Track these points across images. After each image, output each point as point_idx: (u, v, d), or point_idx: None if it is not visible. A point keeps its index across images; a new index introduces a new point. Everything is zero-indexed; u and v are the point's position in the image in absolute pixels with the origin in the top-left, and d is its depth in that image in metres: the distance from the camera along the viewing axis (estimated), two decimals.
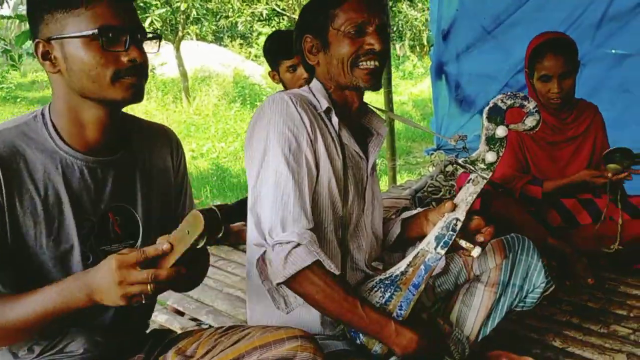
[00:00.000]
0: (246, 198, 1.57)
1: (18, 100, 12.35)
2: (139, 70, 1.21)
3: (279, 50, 2.76)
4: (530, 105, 1.46)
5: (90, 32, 1.15)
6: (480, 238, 1.50)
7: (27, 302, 1.12)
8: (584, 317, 2.24)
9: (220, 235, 1.09)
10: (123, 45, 1.18)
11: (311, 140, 1.47)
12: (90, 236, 1.26)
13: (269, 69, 2.93)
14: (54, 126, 1.24)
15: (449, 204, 1.47)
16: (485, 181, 1.46)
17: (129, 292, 1.05)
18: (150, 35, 1.27)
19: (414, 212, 1.71)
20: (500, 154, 1.45)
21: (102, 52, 1.17)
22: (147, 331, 1.52)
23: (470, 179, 1.48)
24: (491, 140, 1.45)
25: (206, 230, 1.03)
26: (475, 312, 1.70)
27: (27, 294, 1.13)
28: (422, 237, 1.57)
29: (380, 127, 1.70)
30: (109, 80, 1.18)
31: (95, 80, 1.18)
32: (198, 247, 1.06)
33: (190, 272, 1.12)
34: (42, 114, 1.26)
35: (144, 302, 1.07)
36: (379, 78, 1.55)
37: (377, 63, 1.51)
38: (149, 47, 1.27)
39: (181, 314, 2.53)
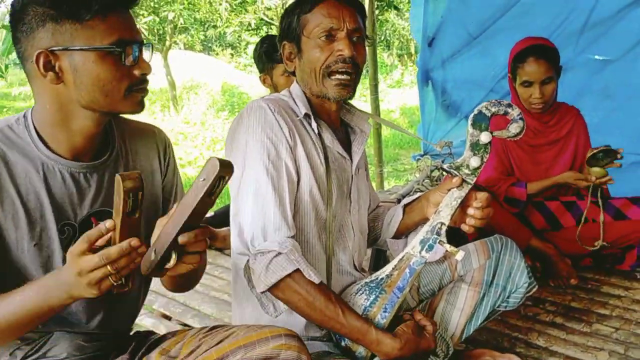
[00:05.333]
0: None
1: (5, 110, 12.25)
2: (146, 83, 1.22)
3: (275, 54, 2.67)
4: (514, 112, 1.48)
5: (108, 46, 1.15)
6: (477, 214, 1.50)
7: (6, 303, 1.11)
8: (567, 317, 2.26)
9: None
10: (131, 58, 1.18)
11: (290, 147, 1.47)
12: (72, 241, 1.25)
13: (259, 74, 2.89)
14: (36, 131, 1.23)
15: (456, 179, 1.47)
16: (470, 186, 1.49)
17: (92, 279, 1.03)
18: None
19: (415, 197, 1.70)
20: (485, 159, 1.47)
21: (117, 65, 1.16)
22: (131, 334, 1.52)
23: None
24: (476, 146, 1.47)
25: (134, 190, 1.01)
26: (459, 312, 1.72)
27: (5, 295, 1.12)
28: (424, 220, 1.59)
29: (363, 125, 1.69)
30: (122, 94, 1.18)
31: (109, 94, 1.18)
32: (133, 214, 1.04)
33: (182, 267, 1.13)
34: (25, 117, 1.25)
35: (121, 288, 1.05)
36: (350, 89, 1.53)
37: (348, 76, 1.50)
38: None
39: (168, 318, 2.52)
